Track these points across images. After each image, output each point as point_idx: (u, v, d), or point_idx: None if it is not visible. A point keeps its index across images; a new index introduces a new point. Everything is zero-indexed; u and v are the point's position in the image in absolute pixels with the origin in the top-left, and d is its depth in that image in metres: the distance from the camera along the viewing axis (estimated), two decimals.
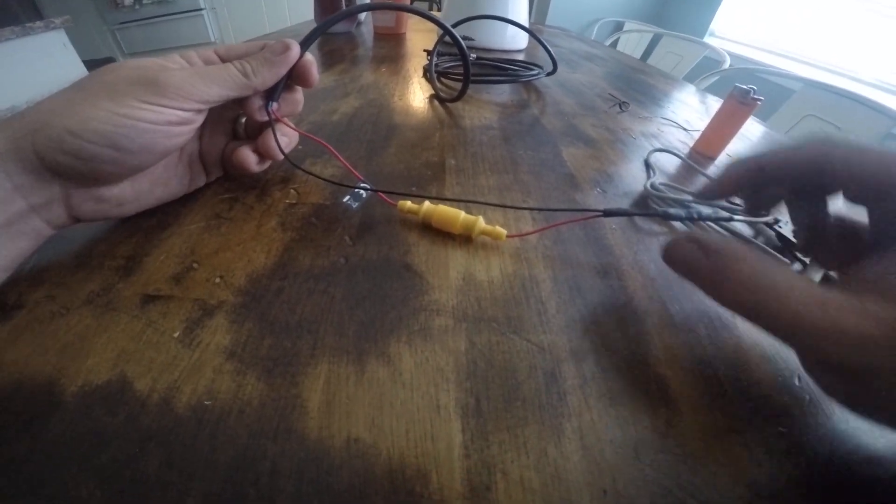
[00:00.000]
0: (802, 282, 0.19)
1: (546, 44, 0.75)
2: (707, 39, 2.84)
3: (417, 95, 0.66)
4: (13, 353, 0.23)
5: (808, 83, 1.30)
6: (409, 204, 0.34)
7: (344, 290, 0.28)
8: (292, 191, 0.38)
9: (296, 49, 0.35)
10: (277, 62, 0.34)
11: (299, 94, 0.39)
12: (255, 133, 0.38)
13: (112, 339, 0.24)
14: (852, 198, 0.23)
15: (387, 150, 0.46)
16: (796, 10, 2.51)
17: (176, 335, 0.25)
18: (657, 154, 0.52)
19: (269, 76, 0.34)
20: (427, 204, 0.34)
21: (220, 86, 0.30)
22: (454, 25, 0.69)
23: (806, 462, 0.21)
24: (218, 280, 0.28)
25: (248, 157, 0.36)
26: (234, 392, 0.22)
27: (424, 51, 0.83)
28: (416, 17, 0.79)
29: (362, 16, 1.11)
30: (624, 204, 0.41)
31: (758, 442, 0.22)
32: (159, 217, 0.34)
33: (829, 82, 1.27)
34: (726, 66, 1.54)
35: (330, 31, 1.05)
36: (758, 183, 0.27)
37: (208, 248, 0.31)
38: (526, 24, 1.01)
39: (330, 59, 0.83)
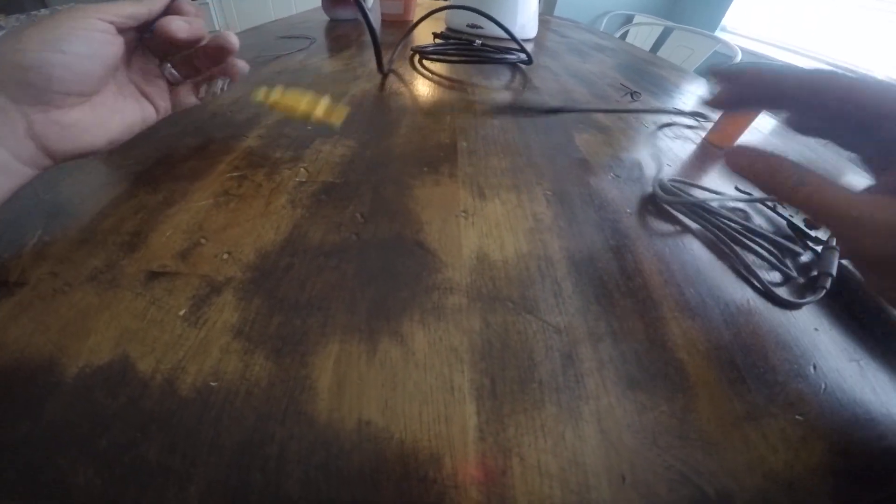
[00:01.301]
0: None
1: (515, 36, 0.77)
2: (718, 34, 2.82)
3: (421, 79, 0.65)
4: (14, 331, 0.23)
5: None
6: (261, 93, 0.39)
7: (355, 267, 0.28)
8: (302, 169, 0.37)
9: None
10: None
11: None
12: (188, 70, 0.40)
13: (115, 317, 0.24)
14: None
15: (398, 132, 0.46)
16: (808, 6, 2.49)
17: (181, 313, 0.24)
18: (668, 142, 0.51)
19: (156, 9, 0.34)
20: (277, 89, 0.39)
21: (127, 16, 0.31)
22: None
23: (822, 450, 0.21)
24: (226, 256, 0.28)
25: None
26: (241, 372, 0.22)
27: (433, 34, 0.82)
28: (424, 5, 0.79)
29: (370, 2, 1.10)
30: (635, 195, 0.40)
31: (774, 429, 0.21)
32: (165, 194, 0.33)
33: None
34: (738, 60, 1.52)
35: (337, 18, 1.05)
36: (773, 98, 0.26)
37: (216, 224, 0.30)
38: (535, 15, 1.01)
39: (338, 45, 0.82)
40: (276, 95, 0.39)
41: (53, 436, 0.19)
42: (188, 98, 0.41)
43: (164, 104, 0.39)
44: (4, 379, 0.21)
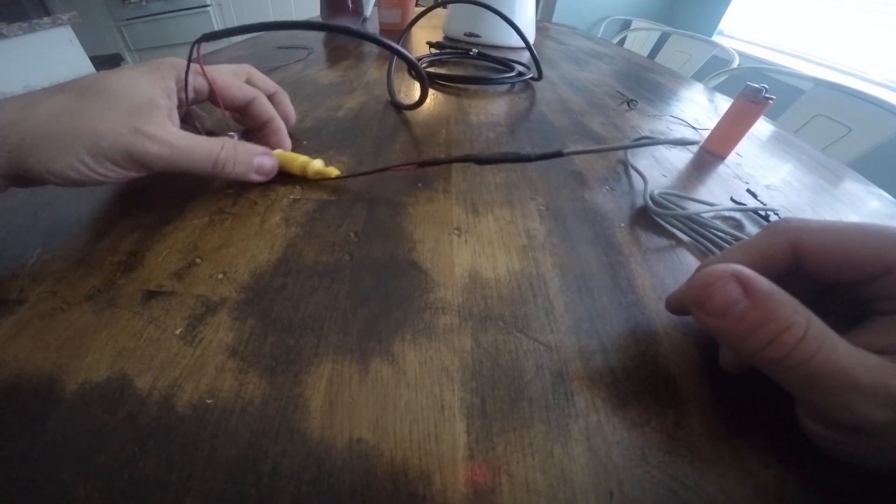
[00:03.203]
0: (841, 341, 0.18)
1: (534, 49, 0.74)
2: (716, 38, 2.82)
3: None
4: (14, 349, 0.23)
5: (819, 83, 1.29)
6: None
7: (348, 288, 0.28)
8: (296, 186, 0.38)
9: (273, 173, 0.38)
10: (252, 175, 0.36)
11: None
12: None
13: (113, 335, 0.24)
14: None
15: (393, 146, 0.46)
16: (806, 9, 2.49)
17: (178, 332, 0.24)
18: (664, 151, 0.51)
19: (237, 176, 0.35)
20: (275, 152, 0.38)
21: (189, 164, 0.32)
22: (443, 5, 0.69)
23: (814, 465, 0.21)
24: (221, 276, 0.28)
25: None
26: (235, 391, 0.22)
27: (427, 43, 0.82)
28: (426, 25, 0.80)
29: (367, 12, 1.11)
30: (630, 208, 0.40)
31: (766, 443, 0.21)
32: (161, 212, 0.33)
33: (839, 82, 1.25)
34: (735, 65, 1.53)
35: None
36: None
37: (211, 244, 0.31)
38: (532, 22, 1.01)
39: (335, 56, 0.82)
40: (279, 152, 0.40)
41: (54, 451, 0.19)
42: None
43: None
44: (5, 396, 0.21)
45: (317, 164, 0.38)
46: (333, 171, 0.38)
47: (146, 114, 0.30)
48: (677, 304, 0.26)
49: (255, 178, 0.36)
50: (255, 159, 0.35)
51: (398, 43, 0.69)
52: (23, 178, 0.27)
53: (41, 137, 0.26)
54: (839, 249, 0.21)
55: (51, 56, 2.18)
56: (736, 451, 0.21)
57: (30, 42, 2.08)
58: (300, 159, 0.38)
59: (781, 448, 0.21)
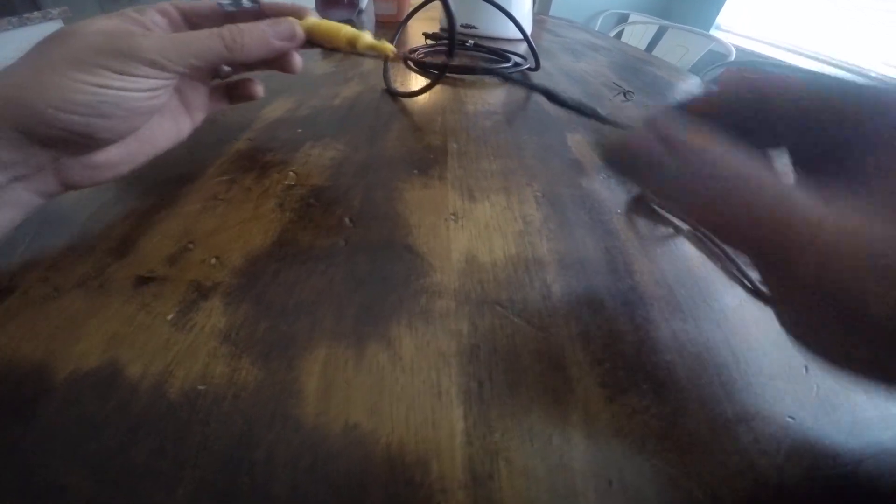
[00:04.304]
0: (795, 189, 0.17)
1: (531, 40, 0.74)
2: (713, 32, 2.82)
3: (419, 81, 0.65)
4: (4, 337, 0.23)
5: None
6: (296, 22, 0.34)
7: (343, 272, 0.28)
8: (291, 172, 0.37)
9: (300, 37, 0.33)
10: (274, 47, 0.32)
11: None
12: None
13: (104, 322, 0.24)
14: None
15: (389, 134, 0.46)
16: (803, 4, 2.49)
17: (169, 318, 0.24)
18: None
19: (256, 54, 0.31)
20: (310, 18, 0.35)
21: (197, 57, 0.28)
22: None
23: (814, 453, 0.21)
24: (214, 261, 0.28)
25: (253, 87, 0.40)
26: (228, 377, 0.21)
27: (423, 34, 0.82)
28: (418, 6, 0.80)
29: (363, 3, 1.10)
30: (626, 195, 0.40)
31: (765, 432, 0.21)
32: (154, 199, 0.33)
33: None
34: (732, 58, 1.53)
35: (331, 19, 1.04)
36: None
37: (205, 229, 0.30)
38: (530, 14, 1.00)
39: None
40: (312, 22, 0.35)
41: (44, 440, 0.19)
42: (220, 103, 0.39)
43: (202, 114, 0.37)
44: None
45: (368, 38, 0.36)
46: (389, 47, 0.37)
47: (123, 31, 0.27)
48: None
49: (279, 44, 0.32)
50: (263, 26, 0.31)
51: (395, 36, 0.69)
52: (39, 134, 0.24)
53: (20, 86, 0.24)
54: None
55: None
56: (735, 439, 0.21)
57: (19, 37, 2.06)
58: (346, 30, 0.35)
59: (781, 437, 0.21)
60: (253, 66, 0.38)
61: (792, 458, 0.20)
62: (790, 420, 0.22)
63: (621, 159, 0.22)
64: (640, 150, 0.20)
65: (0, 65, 0.25)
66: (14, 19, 2.00)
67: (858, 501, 0.20)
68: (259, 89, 0.40)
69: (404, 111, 0.53)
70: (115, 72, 0.25)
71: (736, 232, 0.18)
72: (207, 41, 0.29)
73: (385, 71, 0.60)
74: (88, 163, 0.28)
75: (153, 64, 0.26)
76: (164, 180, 0.35)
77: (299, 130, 0.43)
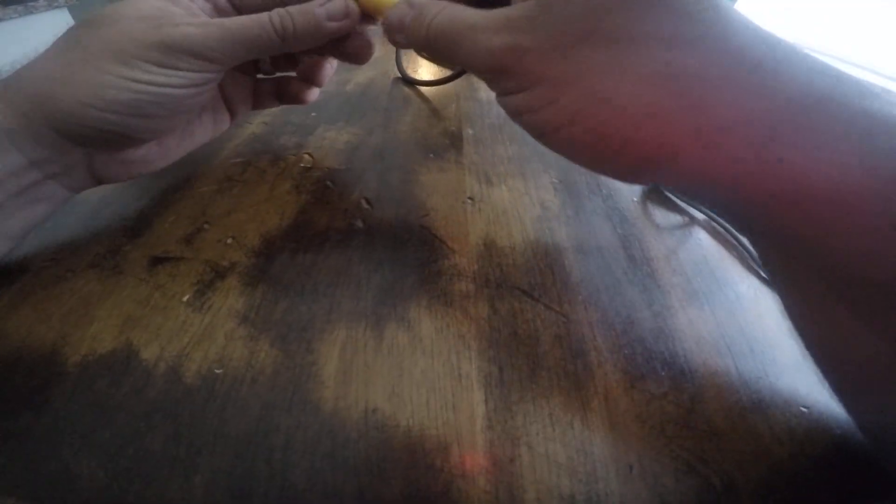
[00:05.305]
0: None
1: None
2: None
3: (432, 67, 0.64)
4: (16, 320, 0.23)
5: None
6: None
7: (361, 254, 0.27)
8: (306, 155, 0.37)
9: (355, 14, 0.28)
10: (328, 30, 0.27)
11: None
12: (286, 64, 0.35)
13: (118, 303, 0.24)
14: None
15: (403, 119, 0.45)
16: (814, 4, 2.46)
17: (185, 299, 0.24)
18: None
19: (308, 42, 0.27)
20: None
21: (245, 46, 0.25)
22: None
23: (826, 443, 0.21)
24: (230, 241, 0.27)
25: (303, 90, 0.35)
26: (246, 359, 0.21)
27: None
28: None
29: None
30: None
31: (780, 421, 0.21)
32: (169, 180, 0.33)
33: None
34: None
35: None
36: None
37: (220, 210, 0.30)
38: None
39: None
40: None
41: (56, 427, 0.19)
42: (267, 101, 0.36)
43: (244, 107, 0.35)
44: (6, 368, 0.21)
45: None
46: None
47: (166, 16, 0.24)
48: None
49: (332, 25, 0.27)
50: (310, 6, 0.27)
51: None
52: (72, 133, 0.23)
53: (53, 80, 0.22)
54: None
55: (46, 39, 2.15)
56: (751, 428, 0.21)
57: (26, 25, 2.06)
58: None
59: (795, 426, 0.21)
60: (306, 54, 0.34)
61: (806, 447, 0.20)
62: (804, 410, 0.22)
63: None
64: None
65: (10, 58, 0.24)
66: (20, 7, 2.00)
67: (871, 488, 0.20)
68: (313, 93, 0.36)
69: (418, 97, 0.52)
70: (158, 65, 0.23)
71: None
72: (256, 28, 0.26)
73: (397, 57, 0.59)
74: (123, 159, 0.26)
75: (199, 55, 0.24)
76: (178, 162, 0.34)
77: (313, 114, 0.43)
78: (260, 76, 0.35)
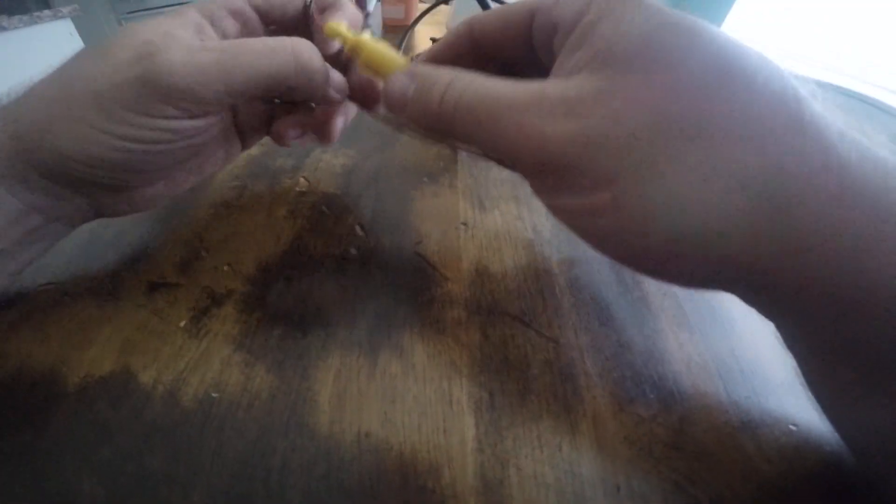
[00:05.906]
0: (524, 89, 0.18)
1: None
2: None
3: None
4: (15, 342, 0.23)
5: (820, 85, 1.29)
6: (342, 27, 0.25)
7: (356, 281, 0.28)
8: (302, 179, 0.38)
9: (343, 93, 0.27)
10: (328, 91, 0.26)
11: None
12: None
13: (116, 328, 0.24)
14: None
15: (398, 142, 0.46)
16: (809, 12, 2.48)
17: (182, 324, 0.24)
18: None
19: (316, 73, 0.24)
20: (366, 35, 0.25)
21: (252, 83, 0.22)
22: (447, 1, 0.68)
23: (815, 460, 0.21)
24: (226, 268, 0.28)
25: (287, 132, 0.30)
26: (242, 384, 0.22)
27: (431, 39, 0.82)
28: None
29: (371, 7, 1.10)
30: None
31: (768, 440, 0.21)
32: (165, 206, 0.33)
33: (842, 84, 1.25)
34: None
35: None
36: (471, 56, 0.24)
37: (217, 235, 0.30)
38: None
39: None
40: (363, 38, 0.25)
41: (57, 445, 0.19)
42: (292, 131, 0.31)
43: (258, 137, 0.31)
44: (6, 388, 0.21)
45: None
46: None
47: (159, 39, 0.21)
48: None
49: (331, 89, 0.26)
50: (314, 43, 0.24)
51: (403, 40, 0.69)
52: (67, 182, 0.22)
53: (35, 124, 0.20)
54: (499, 21, 0.23)
55: (51, 50, 2.16)
56: (739, 447, 0.21)
57: (30, 35, 2.07)
58: (402, 60, 0.25)
59: (784, 444, 0.21)
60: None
61: (794, 465, 0.20)
62: (793, 428, 0.22)
63: None
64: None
65: (15, 68, 0.24)
66: (25, 17, 2.01)
67: None
68: (336, 132, 0.31)
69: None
70: (143, 113, 0.20)
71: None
72: (269, 55, 0.22)
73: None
74: (129, 199, 0.25)
75: (186, 95, 0.20)
76: None
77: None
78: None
